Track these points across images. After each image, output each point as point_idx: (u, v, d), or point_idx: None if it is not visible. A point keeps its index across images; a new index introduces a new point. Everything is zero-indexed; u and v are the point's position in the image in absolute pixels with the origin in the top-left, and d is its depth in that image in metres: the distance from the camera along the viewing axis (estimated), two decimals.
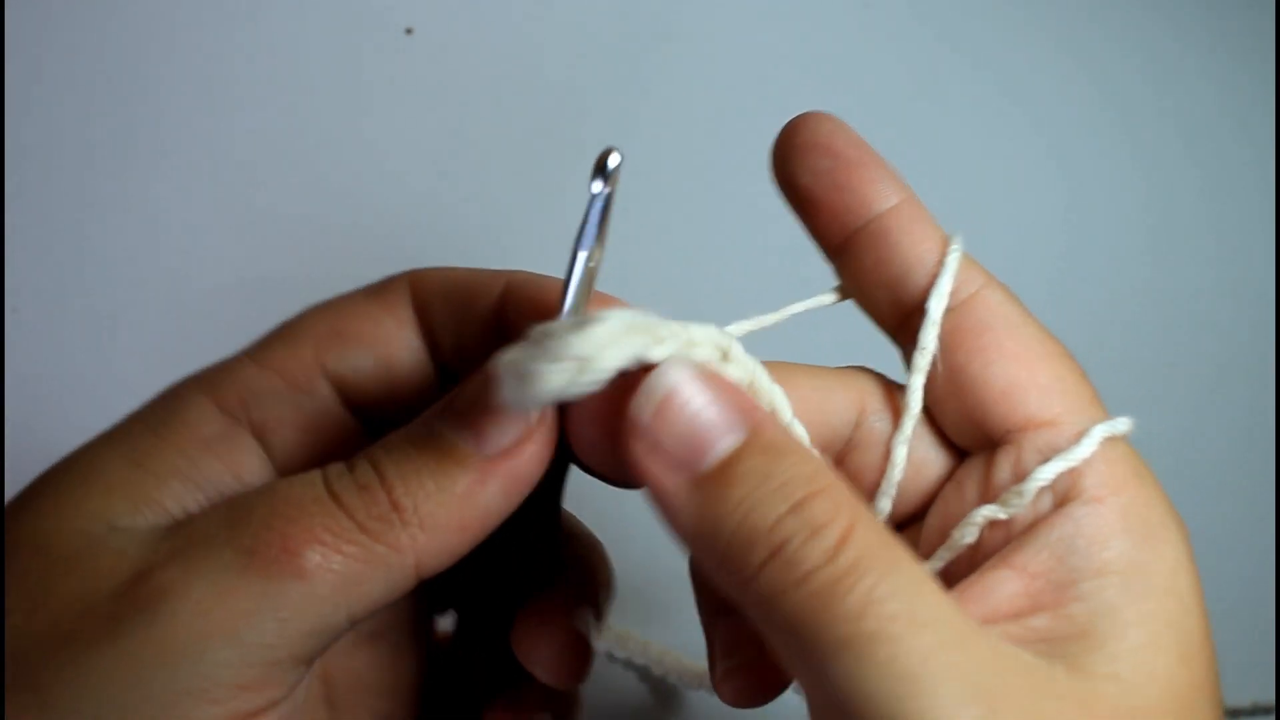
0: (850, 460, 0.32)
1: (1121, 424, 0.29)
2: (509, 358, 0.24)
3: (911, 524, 0.33)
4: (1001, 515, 0.29)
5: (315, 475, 0.27)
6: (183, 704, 0.24)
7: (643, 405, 0.26)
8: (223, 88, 0.66)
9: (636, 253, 0.64)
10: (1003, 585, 0.27)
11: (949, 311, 0.30)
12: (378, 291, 0.32)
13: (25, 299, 0.58)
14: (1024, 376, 0.30)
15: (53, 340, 0.58)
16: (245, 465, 0.29)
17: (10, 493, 0.28)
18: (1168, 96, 0.72)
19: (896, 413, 0.32)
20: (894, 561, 0.24)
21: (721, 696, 0.32)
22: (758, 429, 0.26)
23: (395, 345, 0.31)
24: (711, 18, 0.71)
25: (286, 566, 0.25)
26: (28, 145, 0.63)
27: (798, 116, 0.31)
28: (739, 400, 0.26)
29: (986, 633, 0.25)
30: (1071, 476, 0.28)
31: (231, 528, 0.26)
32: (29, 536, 0.27)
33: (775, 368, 0.29)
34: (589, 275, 0.29)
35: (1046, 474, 0.28)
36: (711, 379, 0.26)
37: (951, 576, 0.29)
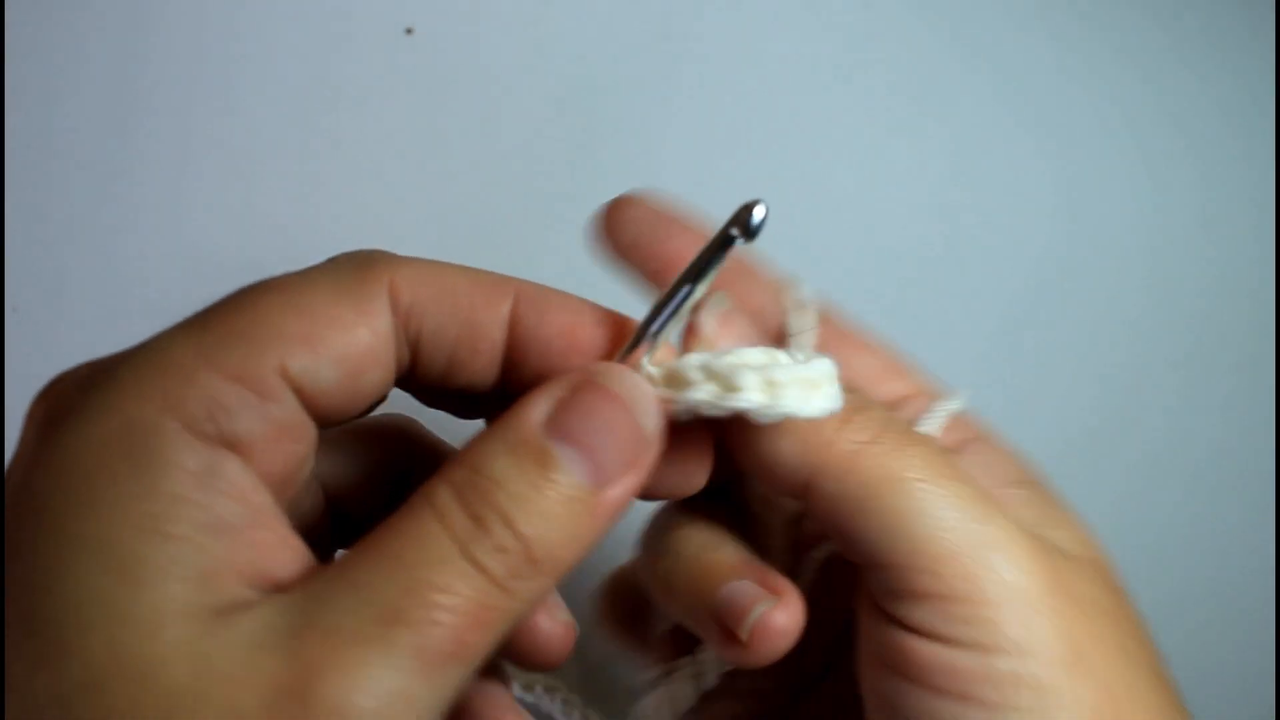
0: None
1: (962, 397, 0.35)
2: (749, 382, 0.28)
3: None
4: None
5: (436, 531, 0.25)
6: None
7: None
8: (223, 88, 0.66)
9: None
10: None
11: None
12: (350, 287, 0.28)
13: (25, 299, 0.58)
14: (877, 366, 0.37)
15: (53, 340, 0.58)
16: (242, 488, 0.26)
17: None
18: (1168, 95, 0.72)
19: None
20: (933, 443, 0.31)
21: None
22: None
23: (366, 359, 0.28)
24: (712, 18, 0.71)
25: (460, 656, 0.24)
26: (28, 145, 0.63)
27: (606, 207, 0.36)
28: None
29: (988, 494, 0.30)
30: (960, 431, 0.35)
31: (383, 624, 0.23)
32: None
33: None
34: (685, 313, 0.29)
35: (947, 408, 0.35)
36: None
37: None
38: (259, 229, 0.63)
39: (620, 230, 0.35)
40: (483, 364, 0.29)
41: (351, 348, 0.27)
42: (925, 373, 0.36)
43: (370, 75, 0.68)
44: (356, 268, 0.28)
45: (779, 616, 0.30)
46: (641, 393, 0.27)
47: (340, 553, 0.30)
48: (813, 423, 0.28)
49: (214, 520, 0.24)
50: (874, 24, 0.72)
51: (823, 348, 0.33)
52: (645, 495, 0.29)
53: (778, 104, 0.67)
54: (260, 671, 0.22)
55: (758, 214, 0.28)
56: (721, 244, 0.28)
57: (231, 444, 0.25)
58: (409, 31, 0.69)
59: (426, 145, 0.66)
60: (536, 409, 0.26)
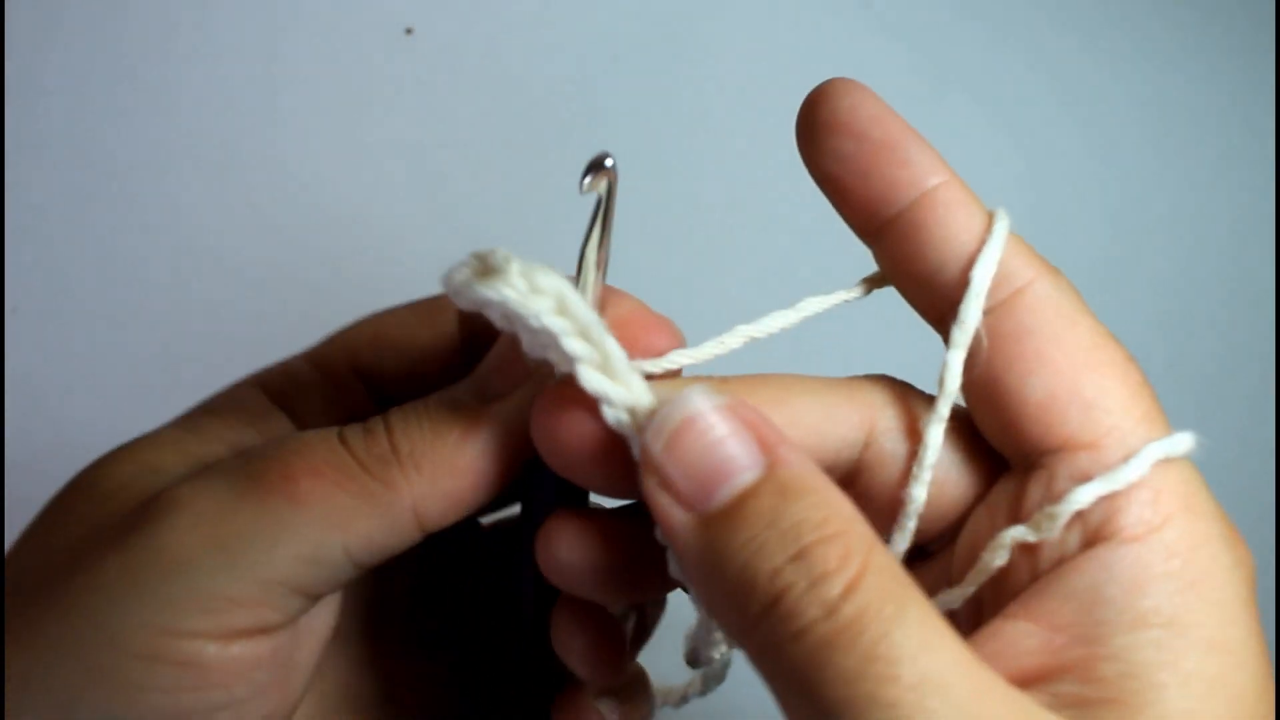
0: (860, 482, 0.29)
1: (1179, 443, 0.26)
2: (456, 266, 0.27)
3: (942, 549, 0.30)
4: (1031, 538, 0.26)
5: (331, 429, 0.29)
6: (178, 611, 0.25)
7: (656, 434, 0.25)
8: (223, 88, 0.66)
9: (644, 251, 0.64)
10: (1021, 640, 0.25)
11: (988, 312, 0.27)
12: (425, 307, 0.34)
13: (25, 299, 0.58)
14: (1065, 391, 0.26)
15: (53, 340, 0.58)
16: (278, 434, 0.31)
17: (10, 493, 0.29)
18: (1166, 95, 0.72)
19: (914, 430, 0.29)
20: (901, 613, 0.22)
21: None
22: (775, 465, 0.24)
23: (427, 354, 0.33)
24: (713, 18, 0.71)
25: (283, 491, 0.26)
26: (28, 145, 0.63)
27: (818, 88, 0.28)
28: (760, 432, 0.24)
29: (1005, 697, 0.22)
30: (1107, 512, 0.25)
31: (243, 459, 0.28)
32: (80, 480, 0.29)
33: (770, 381, 0.28)
34: (594, 265, 0.29)
35: (1084, 497, 0.25)
36: (731, 409, 0.25)
37: (982, 605, 0.27)
38: (259, 229, 0.63)
39: (822, 154, 0.28)
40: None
41: (414, 344, 0.34)
42: (1131, 403, 0.27)
43: (370, 75, 0.68)
44: (435, 297, 0.34)
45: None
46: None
47: None
48: (742, 580, 0.23)
49: (234, 436, 0.31)
50: (874, 25, 0.72)
51: (990, 352, 0.27)
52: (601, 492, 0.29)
53: (779, 104, 0.67)
54: (149, 488, 0.28)
55: (607, 162, 0.29)
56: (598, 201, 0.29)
57: (292, 410, 0.32)
58: (409, 31, 0.69)
59: (426, 145, 0.66)
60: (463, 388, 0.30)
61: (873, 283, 0.30)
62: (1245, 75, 0.73)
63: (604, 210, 0.28)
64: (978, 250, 0.27)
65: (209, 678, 0.26)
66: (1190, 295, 0.66)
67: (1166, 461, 0.26)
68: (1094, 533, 0.25)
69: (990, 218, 0.28)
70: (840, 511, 0.23)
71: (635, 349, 0.27)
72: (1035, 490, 0.27)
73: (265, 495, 0.26)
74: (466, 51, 0.69)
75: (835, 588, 0.22)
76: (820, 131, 0.28)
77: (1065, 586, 0.25)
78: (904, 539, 0.29)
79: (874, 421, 0.29)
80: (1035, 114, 0.71)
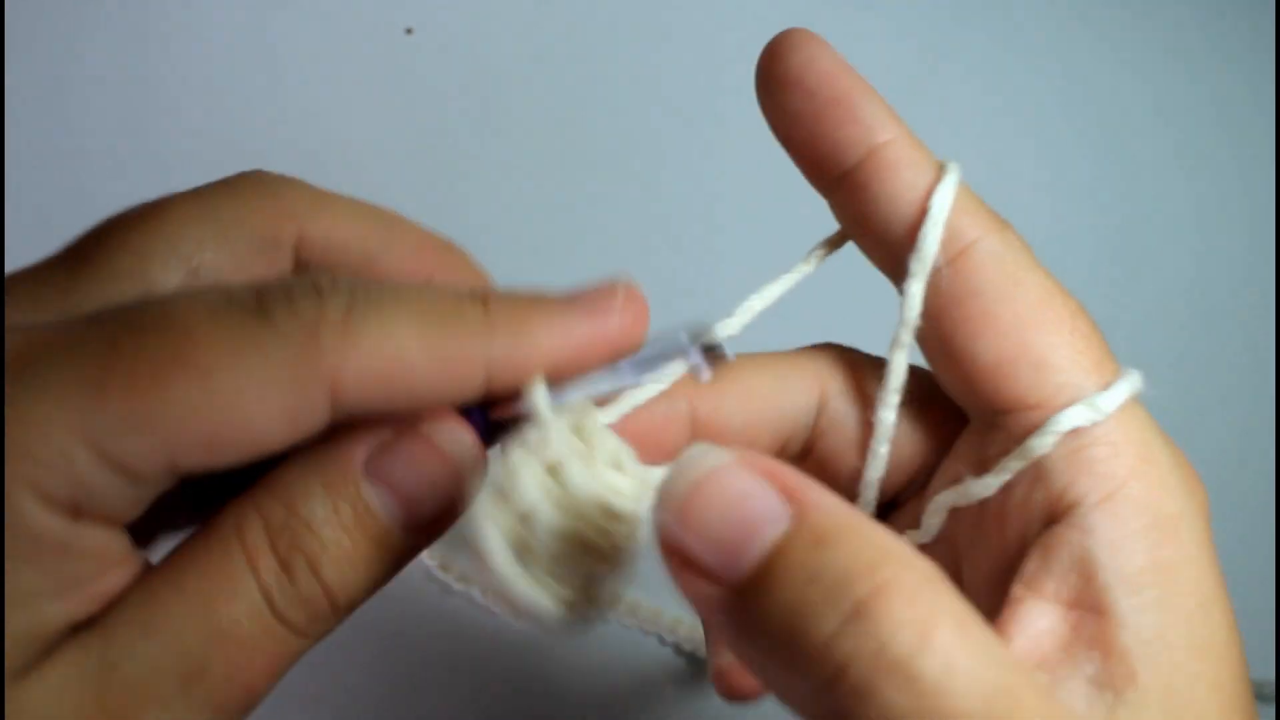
0: (818, 449, 0.30)
1: (1121, 390, 0.26)
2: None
3: (910, 499, 0.31)
4: (966, 500, 0.27)
5: (244, 575, 0.24)
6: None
7: (666, 507, 0.22)
8: (223, 88, 0.66)
9: (641, 247, 0.64)
10: (1040, 619, 0.25)
11: (936, 271, 0.27)
12: (287, 384, 0.23)
13: None
14: (1012, 351, 0.26)
15: None
16: (95, 548, 0.24)
17: None
18: (1165, 95, 0.72)
19: (863, 393, 0.29)
20: (1001, 683, 0.20)
21: (717, 689, 0.31)
22: (804, 511, 0.21)
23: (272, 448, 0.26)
24: (711, 18, 0.71)
25: (252, 701, 0.24)
26: (28, 145, 0.63)
27: (773, 41, 0.28)
28: (781, 480, 0.22)
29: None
30: (1070, 476, 0.25)
31: (185, 681, 0.23)
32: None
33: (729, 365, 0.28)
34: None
35: (1042, 445, 0.26)
36: (743, 462, 0.22)
37: (938, 554, 0.28)
38: None
39: (776, 110, 0.28)
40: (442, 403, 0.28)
41: (263, 447, 0.23)
42: (1081, 357, 0.27)
43: (370, 75, 0.68)
44: (298, 358, 0.23)
45: None
46: (464, 446, 0.26)
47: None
48: (791, 651, 0.20)
49: (56, 584, 0.23)
50: (874, 24, 0.72)
51: (939, 313, 0.27)
52: None
53: None
54: None
55: (724, 349, 0.27)
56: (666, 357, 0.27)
57: (92, 516, 0.23)
58: (409, 31, 0.69)
59: (426, 145, 0.66)
60: (358, 448, 0.25)
61: (832, 244, 0.30)
62: (1245, 74, 0.73)
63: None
64: (924, 205, 0.27)
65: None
66: (1190, 294, 0.66)
67: (1120, 411, 0.26)
68: (1061, 494, 0.26)
69: (940, 168, 0.28)
70: (889, 550, 0.21)
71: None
72: (992, 448, 0.27)
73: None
74: (466, 51, 0.69)
75: (906, 643, 0.19)
76: (773, 87, 0.28)
77: (1062, 559, 0.25)
78: (871, 490, 0.29)
79: (824, 388, 0.30)
80: (1035, 112, 0.71)
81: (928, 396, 0.29)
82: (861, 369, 0.30)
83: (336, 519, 0.24)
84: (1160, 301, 0.65)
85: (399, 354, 0.23)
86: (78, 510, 0.22)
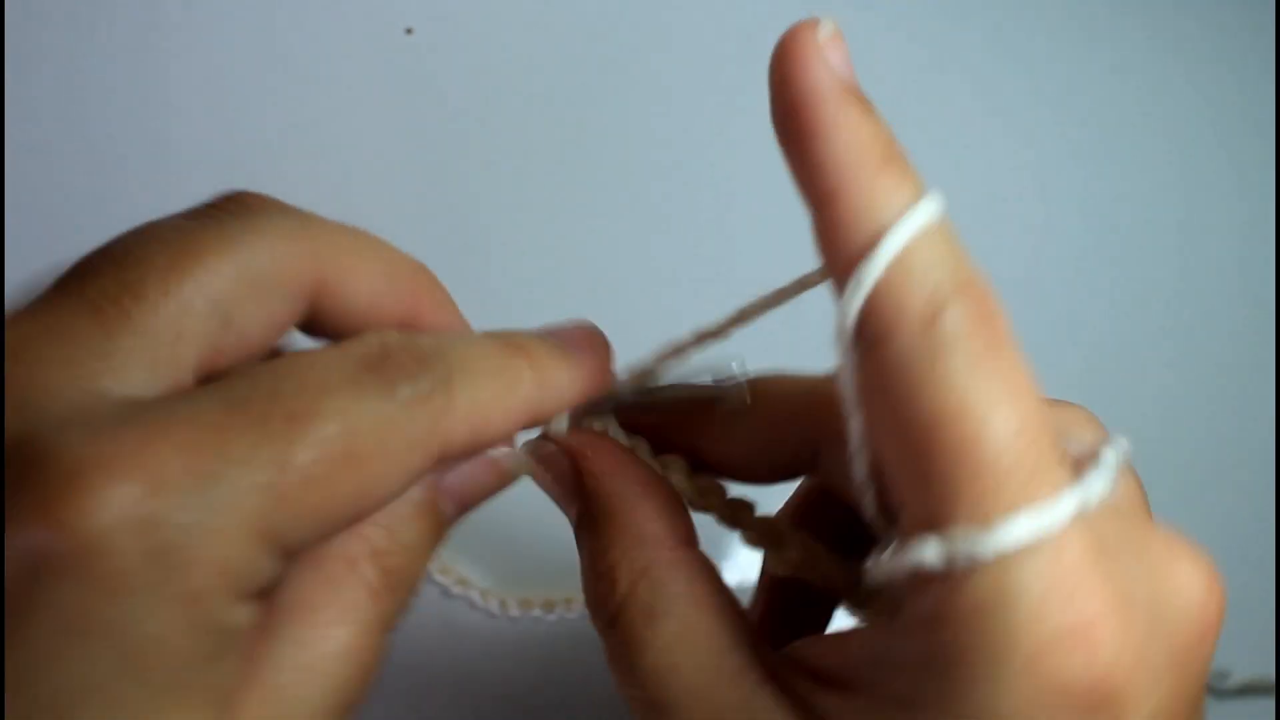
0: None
1: (1018, 530, 0.21)
2: None
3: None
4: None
5: (365, 604, 0.27)
6: None
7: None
8: (223, 88, 0.66)
9: (641, 247, 0.64)
10: (818, 660, 0.26)
11: (856, 360, 0.24)
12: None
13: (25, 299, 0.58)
14: (899, 460, 0.23)
15: None
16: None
17: None
18: (1165, 94, 0.72)
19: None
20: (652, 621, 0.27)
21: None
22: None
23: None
24: (712, 20, 0.71)
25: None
26: (28, 144, 0.63)
27: (783, 37, 0.26)
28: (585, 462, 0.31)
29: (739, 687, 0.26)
30: (904, 590, 0.23)
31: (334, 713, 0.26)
32: None
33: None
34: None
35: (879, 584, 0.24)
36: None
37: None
38: None
39: (773, 114, 0.26)
40: None
41: (381, 507, 0.26)
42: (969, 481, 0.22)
43: (370, 75, 0.68)
44: (426, 429, 0.25)
45: None
46: (521, 467, 0.30)
47: None
48: None
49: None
50: (874, 25, 0.72)
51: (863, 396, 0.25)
52: None
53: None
54: None
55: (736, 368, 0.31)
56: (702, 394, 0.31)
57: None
58: (409, 31, 0.69)
59: (426, 145, 0.66)
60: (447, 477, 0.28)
61: (807, 283, 0.29)
62: (1246, 73, 0.73)
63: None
64: (843, 287, 0.24)
65: None
66: (1191, 294, 0.66)
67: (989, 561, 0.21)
68: (895, 604, 0.24)
69: (876, 232, 0.23)
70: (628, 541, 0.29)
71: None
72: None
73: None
74: (466, 51, 0.69)
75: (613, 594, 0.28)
76: (775, 87, 0.26)
77: (849, 647, 0.26)
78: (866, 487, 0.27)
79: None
80: (1036, 112, 0.71)
81: None
82: None
83: (421, 536, 0.27)
84: (1160, 302, 0.65)
85: (486, 417, 0.27)
86: (253, 594, 0.23)
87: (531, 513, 0.56)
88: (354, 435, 0.23)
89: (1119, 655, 0.21)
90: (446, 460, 0.26)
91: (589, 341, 0.31)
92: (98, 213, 0.62)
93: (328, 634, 0.24)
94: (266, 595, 0.23)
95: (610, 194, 0.66)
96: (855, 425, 0.25)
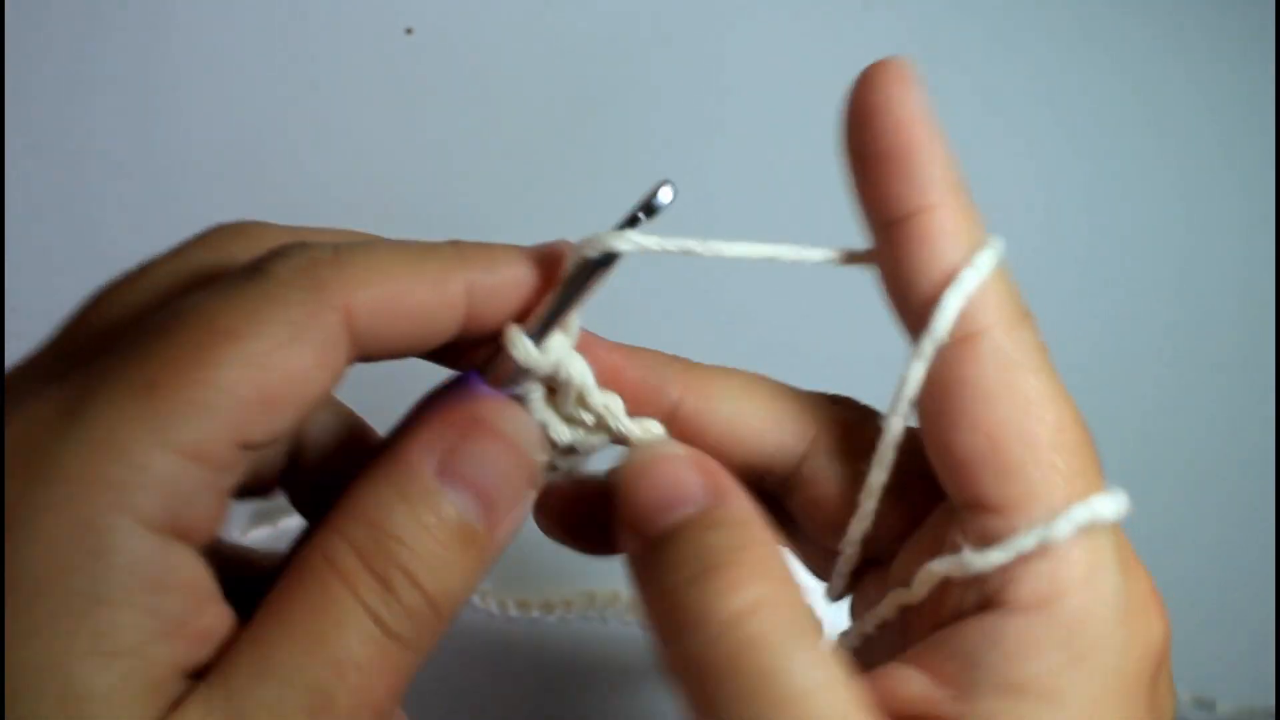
0: (798, 497, 0.31)
1: (1079, 515, 0.25)
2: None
3: (892, 558, 0.31)
4: (910, 600, 0.28)
5: (346, 599, 0.25)
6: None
7: (621, 479, 0.28)
8: (224, 88, 0.66)
9: (640, 255, 0.64)
10: (908, 684, 0.26)
11: (944, 348, 0.27)
12: (306, 328, 0.24)
13: (25, 299, 0.58)
14: (984, 453, 0.26)
15: None
16: (190, 579, 0.24)
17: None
18: (1165, 95, 0.72)
19: (850, 449, 0.30)
20: (791, 646, 0.24)
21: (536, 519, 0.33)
22: (720, 505, 0.27)
23: (322, 400, 0.26)
24: (712, 19, 0.71)
25: (381, 718, 0.25)
26: (28, 144, 0.63)
27: (867, 70, 0.28)
28: (715, 477, 0.27)
29: None
30: (1003, 578, 0.26)
31: (313, 714, 0.24)
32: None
33: (734, 375, 0.31)
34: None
35: (939, 567, 0.27)
36: (675, 460, 0.28)
37: (909, 634, 0.29)
38: None
39: (850, 138, 0.28)
40: (437, 340, 0.28)
41: (311, 397, 0.25)
42: (1051, 473, 0.26)
43: (370, 75, 0.68)
44: (307, 298, 0.24)
45: None
46: (526, 428, 0.28)
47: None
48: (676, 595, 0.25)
49: (162, 625, 0.23)
50: (874, 25, 0.72)
51: (931, 395, 0.28)
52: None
53: (778, 105, 0.68)
54: None
55: (664, 195, 0.29)
56: (627, 223, 0.29)
57: (188, 534, 0.24)
58: (409, 31, 0.69)
59: (426, 144, 0.66)
60: (426, 456, 0.26)
61: (856, 257, 0.30)
62: (1246, 73, 0.73)
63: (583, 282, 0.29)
64: (943, 285, 0.27)
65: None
66: (1191, 294, 0.66)
67: (1083, 529, 0.25)
68: (989, 597, 0.26)
69: (977, 247, 0.27)
70: (761, 547, 0.26)
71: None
72: (951, 536, 0.27)
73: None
74: (466, 51, 0.69)
75: (727, 609, 0.24)
76: (856, 114, 0.28)
77: (953, 644, 0.26)
78: (851, 546, 0.31)
79: (815, 437, 0.30)
80: (1035, 113, 0.71)
81: (915, 465, 0.30)
82: (857, 428, 0.31)
83: (422, 528, 0.25)
84: (1160, 302, 0.65)
85: (391, 278, 0.26)
86: (175, 524, 0.23)
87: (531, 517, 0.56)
88: (216, 320, 0.23)
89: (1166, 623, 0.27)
90: (363, 338, 0.25)
91: (550, 247, 0.30)
92: (98, 212, 0.62)
93: (294, 634, 0.24)
94: (202, 535, 0.24)
95: (610, 193, 0.66)
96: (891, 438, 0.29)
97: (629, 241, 0.28)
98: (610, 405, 0.29)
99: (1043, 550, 0.25)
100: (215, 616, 0.24)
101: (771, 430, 0.30)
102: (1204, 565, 0.56)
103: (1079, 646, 0.25)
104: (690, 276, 0.63)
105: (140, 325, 0.24)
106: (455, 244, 0.28)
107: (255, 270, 0.25)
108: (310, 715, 0.23)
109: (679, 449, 0.28)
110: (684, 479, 0.27)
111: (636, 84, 0.69)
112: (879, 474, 0.29)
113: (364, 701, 0.24)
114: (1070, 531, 0.25)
